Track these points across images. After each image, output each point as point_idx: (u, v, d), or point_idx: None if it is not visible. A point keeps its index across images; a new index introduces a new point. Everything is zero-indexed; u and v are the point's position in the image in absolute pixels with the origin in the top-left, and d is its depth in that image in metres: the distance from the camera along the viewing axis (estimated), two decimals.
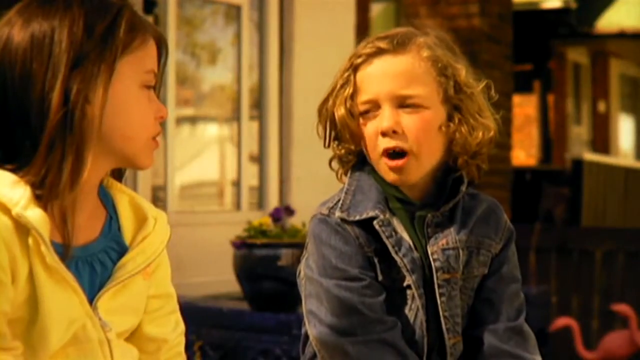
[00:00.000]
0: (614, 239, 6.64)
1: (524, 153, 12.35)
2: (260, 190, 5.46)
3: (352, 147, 1.89)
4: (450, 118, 1.86)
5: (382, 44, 1.86)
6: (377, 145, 1.84)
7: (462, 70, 1.87)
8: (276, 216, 3.99)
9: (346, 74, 1.88)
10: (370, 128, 1.85)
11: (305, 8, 5.49)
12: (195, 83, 5.69)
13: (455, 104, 1.86)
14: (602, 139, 13.75)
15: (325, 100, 1.91)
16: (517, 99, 9.84)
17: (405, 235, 1.83)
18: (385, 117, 1.83)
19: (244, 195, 5.38)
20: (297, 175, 5.35)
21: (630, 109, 15.17)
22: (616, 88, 14.35)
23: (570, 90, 13.31)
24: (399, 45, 1.85)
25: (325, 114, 1.91)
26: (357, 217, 1.82)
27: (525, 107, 12.30)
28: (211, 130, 5.95)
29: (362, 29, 5.85)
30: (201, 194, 5.71)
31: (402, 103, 1.83)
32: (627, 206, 9.96)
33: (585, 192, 9.22)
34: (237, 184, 5.41)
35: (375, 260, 1.82)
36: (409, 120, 1.83)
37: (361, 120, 1.86)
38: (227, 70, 5.58)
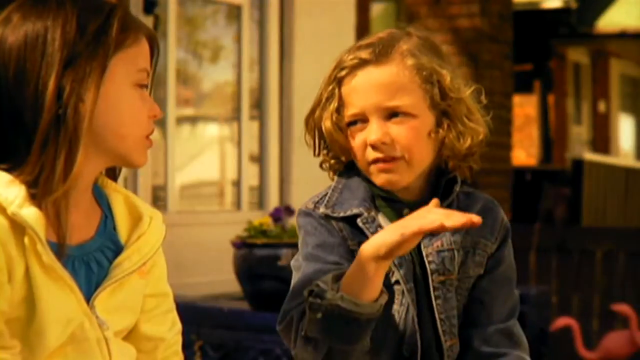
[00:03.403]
0: (614, 239, 6.65)
1: (524, 153, 12.35)
2: (261, 190, 5.46)
3: (342, 158, 1.89)
4: (439, 124, 1.84)
5: (365, 55, 1.82)
6: (365, 156, 1.83)
7: (447, 76, 1.83)
8: (276, 216, 3.99)
9: (330, 87, 1.86)
10: (358, 140, 1.84)
11: (305, 8, 5.50)
12: (196, 83, 5.69)
13: (443, 109, 1.84)
14: (602, 139, 13.76)
15: (312, 112, 1.90)
16: (517, 98, 9.83)
17: None
18: (373, 130, 1.81)
19: (244, 195, 5.38)
20: (297, 175, 5.35)
21: (631, 109, 15.17)
22: (616, 88, 14.35)
23: (570, 90, 13.31)
24: (381, 55, 1.82)
25: (312, 124, 1.90)
26: (342, 214, 1.82)
27: (525, 107, 12.30)
28: (211, 130, 5.95)
29: (362, 29, 5.86)
30: (201, 194, 5.72)
31: (390, 114, 1.81)
32: (627, 206, 9.96)
33: (585, 192, 9.22)
34: (237, 183, 5.41)
35: None
36: (397, 131, 1.81)
37: (349, 132, 1.85)
38: (228, 70, 5.59)
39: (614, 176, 9.86)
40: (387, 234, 1.68)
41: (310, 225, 1.84)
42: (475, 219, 1.65)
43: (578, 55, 13.42)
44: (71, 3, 1.60)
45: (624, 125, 14.98)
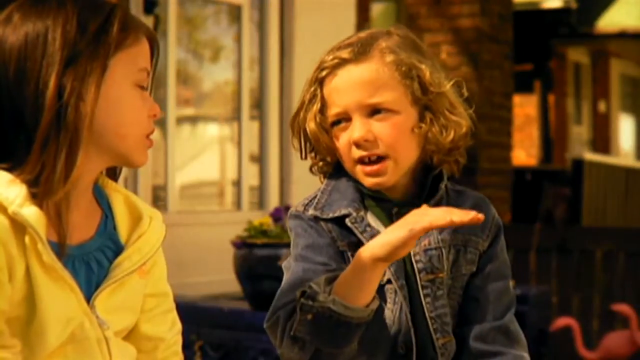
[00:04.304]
0: (614, 239, 6.64)
1: (525, 153, 12.36)
2: (261, 190, 5.46)
3: (329, 159, 1.90)
4: (422, 118, 1.85)
5: (344, 54, 1.84)
6: (351, 155, 1.84)
7: (427, 70, 1.84)
8: (276, 216, 4.00)
9: (312, 89, 1.88)
10: (343, 139, 1.85)
11: (305, 8, 5.50)
12: (196, 83, 5.69)
13: (425, 104, 1.85)
14: (602, 139, 13.76)
15: (296, 114, 1.91)
16: (517, 98, 9.83)
17: (382, 229, 1.82)
18: (357, 128, 1.82)
19: (245, 195, 5.38)
20: (297, 175, 5.36)
21: (631, 109, 15.18)
22: (616, 88, 14.36)
23: (570, 90, 13.32)
24: (360, 54, 1.83)
25: (297, 127, 1.91)
26: (331, 215, 1.83)
27: (525, 107, 12.31)
28: (212, 130, 5.96)
29: (362, 29, 5.86)
30: (202, 194, 5.72)
31: (372, 111, 1.82)
32: (627, 206, 9.96)
33: (585, 192, 9.22)
34: (237, 183, 5.42)
35: (349, 255, 1.82)
36: (380, 128, 1.82)
37: (334, 132, 1.86)
38: (228, 70, 5.59)
39: (614, 176, 9.86)
40: (391, 233, 1.68)
41: (300, 228, 1.84)
42: (480, 215, 1.66)
43: (578, 55, 13.42)
44: (72, 3, 1.60)
45: (624, 125, 14.98)
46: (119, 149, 1.64)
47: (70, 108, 1.55)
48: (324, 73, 1.86)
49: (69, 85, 1.55)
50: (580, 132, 13.61)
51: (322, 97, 1.86)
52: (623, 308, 5.81)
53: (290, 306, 1.74)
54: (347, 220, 1.82)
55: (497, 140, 7.24)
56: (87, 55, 1.58)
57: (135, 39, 1.64)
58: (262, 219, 4.08)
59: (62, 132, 1.55)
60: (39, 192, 1.54)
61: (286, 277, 1.82)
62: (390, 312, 1.82)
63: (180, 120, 5.36)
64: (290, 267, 1.83)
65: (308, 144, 1.91)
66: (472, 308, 1.88)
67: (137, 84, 1.65)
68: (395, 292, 1.82)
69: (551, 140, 12.69)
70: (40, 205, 1.54)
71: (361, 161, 1.84)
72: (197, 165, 5.64)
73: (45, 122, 1.54)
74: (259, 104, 5.47)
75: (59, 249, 1.55)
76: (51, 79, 1.55)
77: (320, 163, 1.92)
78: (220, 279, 4.68)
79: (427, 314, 1.83)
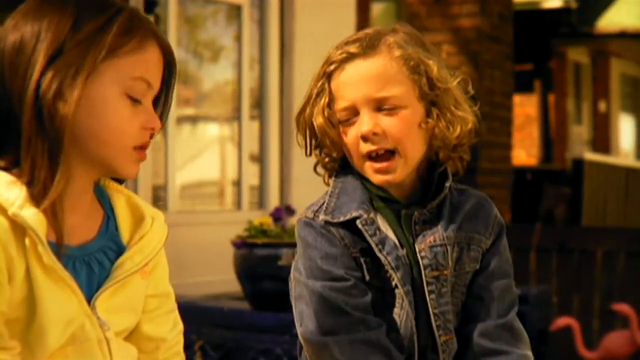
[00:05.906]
0: (615, 239, 6.64)
1: (525, 153, 12.36)
2: (261, 190, 5.46)
3: (335, 155, 1.90)
4: (428, 114, 1.86)
5: (353, 49, 1.85)
6: (359, 150, 1.84)
7: (434, 66, 1.86)
8: (277, 216, 3.99)
9: (320, 83, 1.88)
10: (351, 134, 1.85)
11: (305, 8, 5.50)
12: (196, 83, 5.69)
13: (431, 99, 1.86)
14: (602, 139, 13.76)
15: (302, 110, 1.91)
16: (517, 98, 9.83)
17: (390, 234, 1.84)
18: (365, 122, 1.83)
19: (245, 194, 5.38)
20: (298, 174, 5.36)
21: (631, 109, 15.17)
22: (617, 88, 14.35)
23: (570, 90, 13.31)
24: (369, 48, 1.85)
25: (303, 123, 1.91)
26: (342, 219, 1.83)
27: (525, 106, 12.30)
28: (212, 130, 5.95)
29: (362, 29, 5.85)
30: (202, 194, 5.72)
31: (380, 105, 1.83)
32: (627, 206, 9.96)
33: (585, 192, 9.21)
34: (237, 183, 5.41)
35: (362, 261, 1.82)
36: (388, 122, 1.83)
37: (341, 128, 1.86)
38: (228, 70, 5.59)
39: (614, 176, 9.86)
40: None
41: (311, 237, 1.84)
42: None
43: (578, 55, 13.42)
44: (75, 4, 1.58)
45: (624, 125, 14.98)
46: (101, 156, 1.60)
47: (46, 106, 1.52)
48: (332, 67, 1.86)
49: (47, 81, 1.52)
50: (580, 132, 13.61)
51: (330, 92, 1.87)
52: (623, 308, 5.80)
53: (344, 339, 1.78)
54: (357, 222, 1.82)
55: (497, 140, 7.24)
56: (74, 55, 1.54)
57: (137, 46, 1.60)
58: (262, 218, 4.08)
59: (42, 132, 1.52)
60: (34, 193, 1.52)
61: (307, 295, 1.81)
62: (398, 317, 1.83)
63: (180, 120, 5.36)
64: (302, 281, 1.83)
65: (313, 140, 1.91)
66: (477, 306, 1.89)
67: (127, 92, 1.60)
68: (402, 297, 1.82)
69: (551, 140, 12.68)
70: (39, 206, 1.53)
71: (370, 157, 1.84)
72: (197, 165, 5.64)
73: (26, 120, 1.52)
74: (259, 104, 5.47)
75: (57, 248, 1.54)
76: (34, 75, 1.52)
77: (326, 159, 1.92)
78: (220, 278, 4.68)
79: (430, 311, 1.83)
